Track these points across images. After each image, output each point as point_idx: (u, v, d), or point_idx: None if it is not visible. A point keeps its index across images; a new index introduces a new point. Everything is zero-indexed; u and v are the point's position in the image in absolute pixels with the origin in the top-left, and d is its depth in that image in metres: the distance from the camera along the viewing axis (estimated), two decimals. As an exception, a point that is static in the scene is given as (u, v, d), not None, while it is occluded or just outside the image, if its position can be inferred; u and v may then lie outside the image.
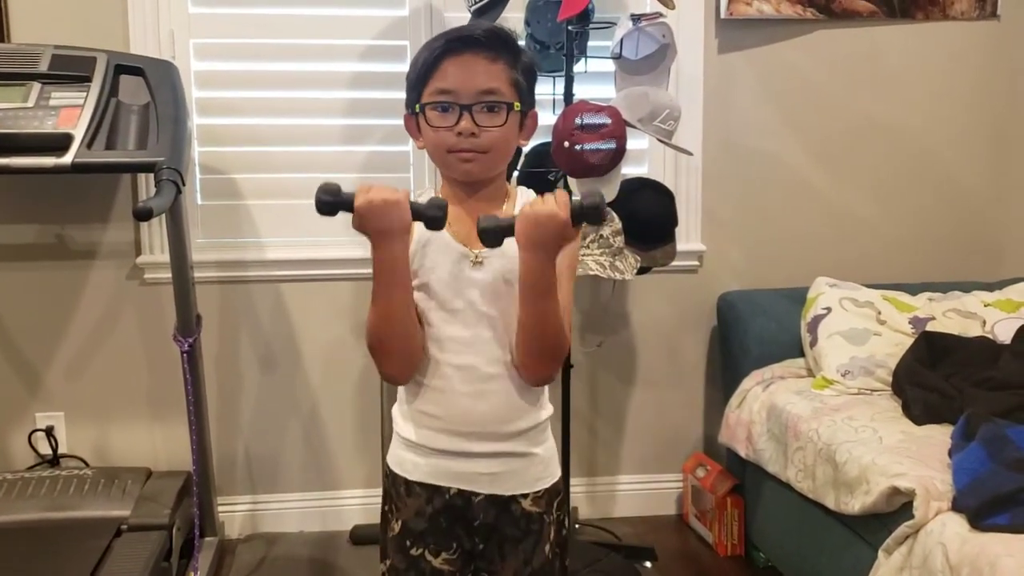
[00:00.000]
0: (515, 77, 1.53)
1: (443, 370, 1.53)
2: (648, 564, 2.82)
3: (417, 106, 1.52)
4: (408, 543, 1.57)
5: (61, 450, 2.87)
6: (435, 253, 1.52)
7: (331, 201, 1.39)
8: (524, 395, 1.55)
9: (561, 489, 1.62)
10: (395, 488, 1.59)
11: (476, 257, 1.51)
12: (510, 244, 1.42)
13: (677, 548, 2.94)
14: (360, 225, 1.41)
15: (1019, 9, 3.10)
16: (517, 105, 1.52)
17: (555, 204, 1.37)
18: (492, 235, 1.40)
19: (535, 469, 1.58)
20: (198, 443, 2.59)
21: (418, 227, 1.49)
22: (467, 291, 1.51)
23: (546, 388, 1.60)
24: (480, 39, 1.50)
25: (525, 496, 1.57)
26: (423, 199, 1.46)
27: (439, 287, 1.52)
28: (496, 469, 1.55)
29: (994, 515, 1.83)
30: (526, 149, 2.61)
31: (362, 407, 2.99)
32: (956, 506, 1.90)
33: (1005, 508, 1.83)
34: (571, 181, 2.50)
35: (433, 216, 1.41)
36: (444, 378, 1.53)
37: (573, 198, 1.40)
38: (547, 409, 1.61)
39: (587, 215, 1.39)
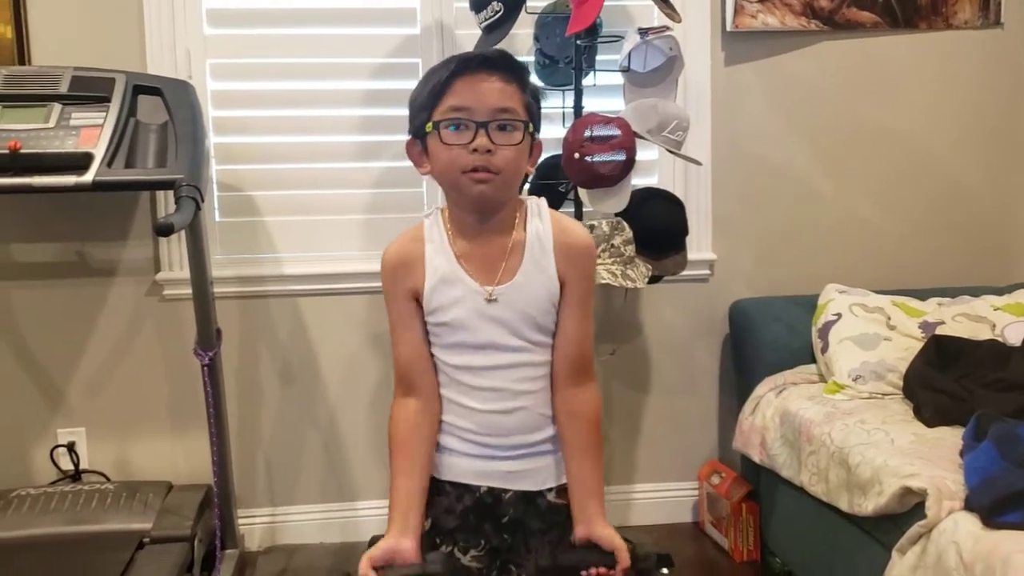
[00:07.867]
0: (527, 100, 1.52)
1: (473, 392, 1.56)
2: (665, 571, 2.82)
3: (430, 125, 1.48)
4: (438, 540, 1.59)
5: (82, 465, 2.90)
6: (452, 290, 1.53)
7: None
8: (549, 407, 1.60)
9: None
10: None
11: (490, 295, 1.52)
12: (525, 281, 1.51)
13: (693, 555, 2.96)
14: None
15: (1022, 17, 3.12)
16: (531, 126, 1.51)
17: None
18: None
19: (560, 464, 1.61)
20: (218, 456, 2.61)
21: (433, 264, 1.53)
22: (489, 326, 1.53)
23: None
24: (494, 59, 1.49)
25: (551, 490, 1.60)
26: (429, 220, 1.56)
27: (460, 324, 1.53)
28: (524, 467, 1.58)
29: (1006, 513, 1.84)
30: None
31: (380, 418, 3.00)
32: (968, 505, 1.92)
33: (1017, 506, 1.84)
34: (581, 192, 2.53)
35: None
36: (474, 399, 1.56)
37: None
38: None
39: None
